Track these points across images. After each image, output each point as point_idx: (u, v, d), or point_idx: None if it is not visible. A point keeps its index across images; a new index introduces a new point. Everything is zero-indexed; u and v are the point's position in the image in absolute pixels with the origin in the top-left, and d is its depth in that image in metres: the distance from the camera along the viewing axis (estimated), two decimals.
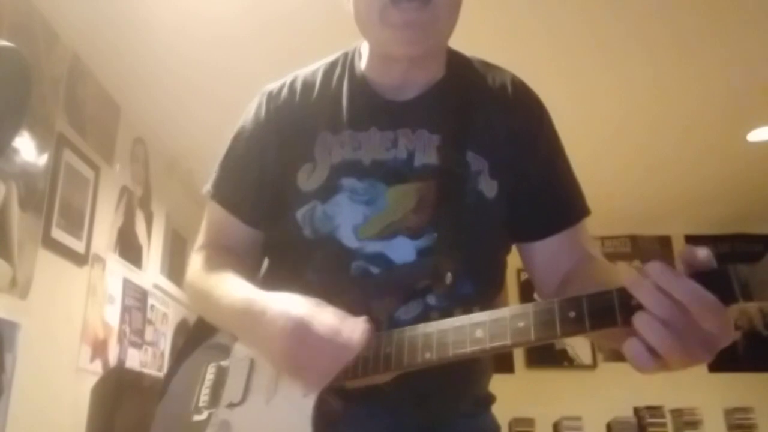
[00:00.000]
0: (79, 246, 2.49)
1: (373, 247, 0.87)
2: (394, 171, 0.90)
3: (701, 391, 4.32)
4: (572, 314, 0.66)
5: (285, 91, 1.02)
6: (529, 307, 0.68)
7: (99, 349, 2.62)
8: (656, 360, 0.65)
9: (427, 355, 0.73)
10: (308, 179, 0.93)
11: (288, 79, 1.04)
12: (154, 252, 3.33)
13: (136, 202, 3.11)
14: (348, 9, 0.93)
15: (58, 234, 2.33)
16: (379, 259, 0.87)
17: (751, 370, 4.41)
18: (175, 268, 3.95)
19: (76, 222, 2.48)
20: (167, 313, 3.50)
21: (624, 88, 2.90)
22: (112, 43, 2.52)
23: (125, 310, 2.90)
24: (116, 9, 2.32)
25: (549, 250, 0.94)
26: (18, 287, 2.07)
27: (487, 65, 1.01)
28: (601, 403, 4.23)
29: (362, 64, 0.98)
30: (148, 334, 3.18)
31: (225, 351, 0.93)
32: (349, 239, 0.88)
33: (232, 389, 0.87)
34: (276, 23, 2.42)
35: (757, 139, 3.45)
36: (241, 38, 2.52)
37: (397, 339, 0.77)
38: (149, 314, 3.21)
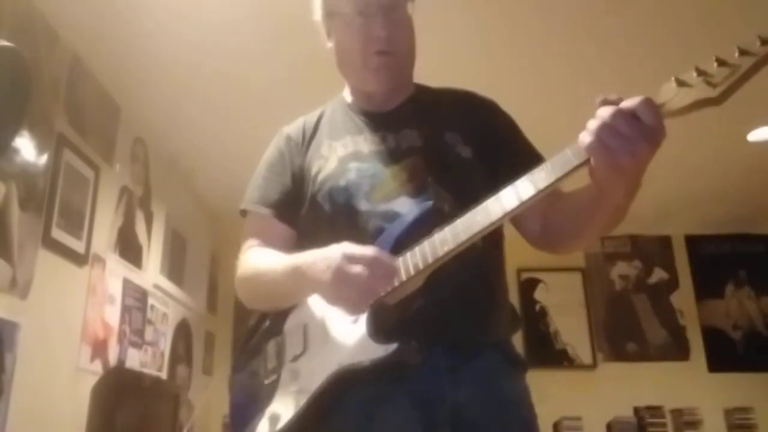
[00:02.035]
0: (79, 246, 2.49)
1: (382, 207, 1.08)
2: (388, 156, 1.14)
3: (701, 391, 4.33)
4: (542, 173, 0.88)
5: (295, 126, 1.29)
6: (508, 186, 0.92)
7: (99, 349, 2.62)
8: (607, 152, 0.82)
9: (446, 247, 0.93)
10: (322, 170, 1.16)
11: (296, 121, 1.31)
12: (154, 252, 3.33)
13: (136, 202, 3.11)
14: (330, 50, 1.24)
15: (58, 234, 2.33)
16: (390, 214, 1.06)
17: (751, 370, 4.41)
18: (175, 268, 3.95)
19: (76, 222, 2.48)
20: (167, 313, 3.50)
21: (624, 87, 2.89)
22: (112, 44, 2.52)
23: (125, 310, 2.90)
24: (116, 9, 2.32)
25: None
26: (18, 287, 2.07)
27: (444, 87, 1.29)
28: (601, 403, 4.22)
29: (349, 99, 1.28)
30: (148, 334, 3.18)
31: (278, 330, 1.12)
32: (361, 203, 1.09)
33: (293, 347, 1.07)
34: (277, 23, 2.42)
35: (757, 139, 3.46)
36: (241, 39, 2.53)
37: (418, 249, 0.97)
38: (149, 314, 3.21)
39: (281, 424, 1.00)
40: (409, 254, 0.97)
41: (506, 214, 0.91)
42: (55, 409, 2.28)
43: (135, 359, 3.00)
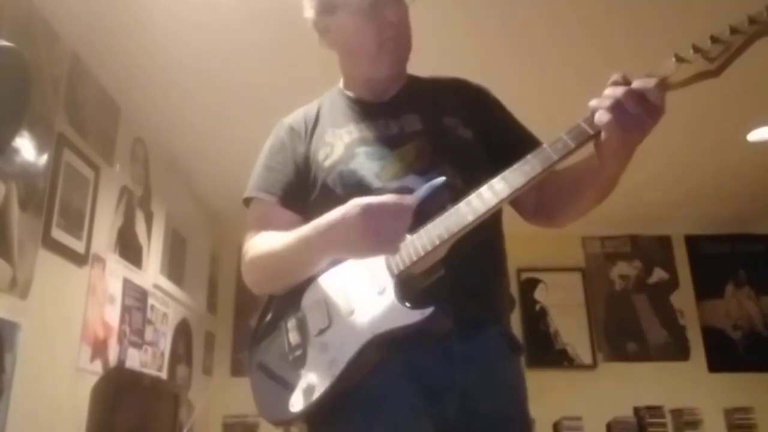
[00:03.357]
0: (79, 246, 2.49)
1: (393, 184, 1.11)
2: (393, 139, 1.18)
3: (701, 391, 4.33)
4: (559, 145, 0.96)
5: (296, 117, 1.31)
6: (528, 156, 0.98)
7: (99, 349, 2.62)
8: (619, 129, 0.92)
9: (470, 217, 0.98)
10: (329, 157, 1.19)
11: (296, 112, 1.33)
12: (154, 252, 3.33)
13: (136, 202, 3.11)
14: (334, 47, 1.28)
15: (58, 234, 2.33)
16: (403, 190, 1.08)
17: (751, 370, 4.41)
18: (175, 268, 3.96)
19: (76, 222, 2.48)
20: (167, 313, 3.50)
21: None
22: (112, 44, 2.52)
23: (125, 310, 2.90)
24: (116, 9, 2.32)
25: None
26: (18, 287, 2.07)
27: (435, 76, 1.34)
28: (601, 403, 4.22)
29: (348, 92, 1.31)
30: (148, 334, 3.18)
31: (294, 308, 1.13)
32: (373, 182, 1.13)
33: (317, 322, 1.08)
34: (276, 25, 2.42)
35: (757, 139, 3.46)
36: (241, 39, 2.52)
37: (440, 221, 1.00)
38: (149, 314, 3.21)
39: (317, 394, 1.02)
40: (431, 225, 1.01)
41: (530, 180, 0.96)
42: (55, 409, 2.28)
43: (135, 359, 3.00)
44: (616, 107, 0.91)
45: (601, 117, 0.92)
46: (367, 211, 0.98)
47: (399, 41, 1.22)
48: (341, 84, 1.34)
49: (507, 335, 1.16)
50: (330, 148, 1.20)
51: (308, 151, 1.23)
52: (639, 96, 0.90)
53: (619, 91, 0.91)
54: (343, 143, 1.20)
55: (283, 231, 1.16)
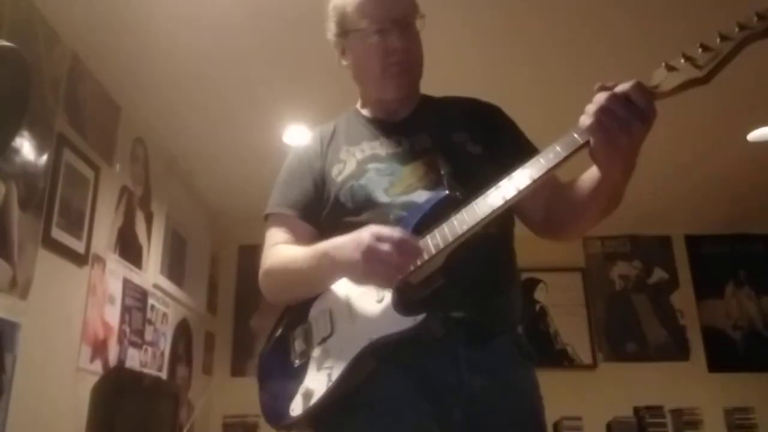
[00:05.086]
0: (79, 246, 2.49)
1: (401, 199, 1.15)
2: (404, 156, 1.22)
3: (701, 391, 4.33)
4: (551, 155, 0.98)
5: (312, 136, 1.37)
6: (525, 164, 1.00)
7: (99, 349, 2.62)
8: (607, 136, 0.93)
9: (464, 226, 1.00)
10: (342, 172, 1.24)
11: (312, 133, 1.39)
12: (154, 252, 3.33)
13: (136, 202, 3.11)
14: (348, 65, 1.33)
15: (58, 234, 2.33)
16: (409, 205, 1.13)
17: (751, 370, 4.41)
18: (175, 268, 3.96)
19: (76, 222, 2.48)
20: (167, 313, 3.50)
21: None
22: (112, 44, 2.52)
23: (125, 310, 2.90)
24: (116, 9, 2.32)
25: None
26: (18, 287, 2.07)
27: (448, 96, 1.38)
28: (601, 403, 4.23)
29: (363, 112, 1.37)
30: (148, 334, 3.18)
31: (303, 319, 1.17)
32: (381, 197, 1.16)
33: (320, 331, 1.13)
34: (276, 24, 2.42)
35: (757, 139, 3.46)
36: (240, 40, 2.53)
37: (438, 231, 1.03)
38: (149, 314, 3.21)
39: (315, 398, 1.06)
40: (429, 236, 1.03)
41: (520, 192, 0.98)
42: (55, 409, 2.28)
43: (135, 359, 3.00)
44: (600, 111, 0.91)
45: (585, 120, 0.93)
46: (376, 235, 1.00)
47: (404, 66, 1.26)
48: (358, 104, 1.40)
49: (519, 343, 1.17)
50: (343, 165, 1.25)
51: (324, 167, 1.28)
52: (621, 98, 0.91)
53: (603, 95, 0.92)
54: (355, 160, 1.25)
55: (301, 243, 1.22)
